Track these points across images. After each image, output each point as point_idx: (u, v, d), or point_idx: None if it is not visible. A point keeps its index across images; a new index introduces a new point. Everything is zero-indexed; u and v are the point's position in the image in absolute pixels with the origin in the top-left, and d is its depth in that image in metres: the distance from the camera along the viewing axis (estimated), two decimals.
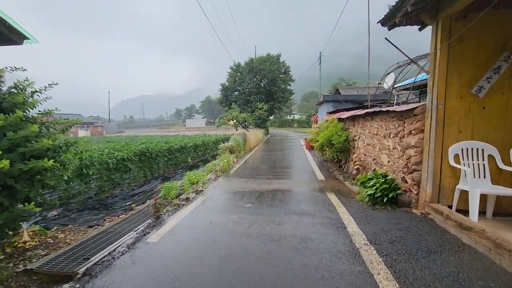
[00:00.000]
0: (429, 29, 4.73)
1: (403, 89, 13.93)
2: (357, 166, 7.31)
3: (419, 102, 15.08)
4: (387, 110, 5.20)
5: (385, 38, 4.61)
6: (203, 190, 6.82)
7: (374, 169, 6.02)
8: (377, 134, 6.05)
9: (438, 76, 4.07)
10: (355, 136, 8.14)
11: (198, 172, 8.53)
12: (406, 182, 4.75)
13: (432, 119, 4.18)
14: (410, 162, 4.60)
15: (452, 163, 4.03)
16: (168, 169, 12.06)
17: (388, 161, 5.41)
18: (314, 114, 23.88)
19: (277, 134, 37.57)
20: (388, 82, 11.05)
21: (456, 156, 4.08)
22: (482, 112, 4.09)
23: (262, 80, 37.62)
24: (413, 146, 4.49)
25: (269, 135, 32.49)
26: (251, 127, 27.47)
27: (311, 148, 13.81)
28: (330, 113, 13.70)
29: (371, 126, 6.50)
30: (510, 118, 4.04)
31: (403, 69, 8.03)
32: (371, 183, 5.23)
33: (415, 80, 9.75)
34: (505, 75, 4.01)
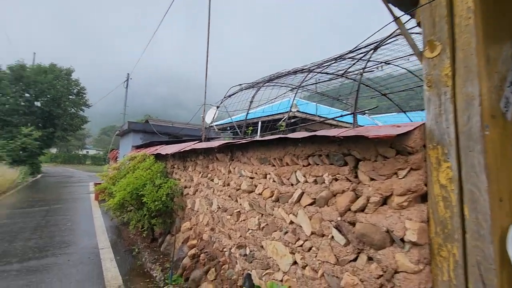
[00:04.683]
0: None
1: (221, 129, 12.23)
2: (194, 251, 3.66)
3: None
4: (303, 136, 2.11)
5: None
6: None
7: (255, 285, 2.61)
8: (251, 192, 2.82)
9: (473, 52, 1.47)
10: (186, 187, 4.58)
11: None
12: None
13: (467, 165, 1.45)
14: None
15: None
16: None
17: (297, 268, 2.21)
18: (113, 149, 18.10)
19: (56, 173, 26.70)
20: (210, 117, 8.65)
21: None
22: None
23: (39, 98, 26.77)
24: (411, 242, 1.54)
25: (39, 175, 22.08)
26: (4, 162, 17.11)
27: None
28: (138, 147, 9.48)
29: (231, 172, 3.23)
30: None
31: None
32: None
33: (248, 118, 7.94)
34: None
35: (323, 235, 1.98)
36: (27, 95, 26.57)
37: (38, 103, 26.98)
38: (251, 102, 5.37)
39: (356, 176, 1.85)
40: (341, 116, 4.83)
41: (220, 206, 3.35)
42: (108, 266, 4.21)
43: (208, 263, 3.34)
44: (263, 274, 2.47)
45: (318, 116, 10.18)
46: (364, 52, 3.09)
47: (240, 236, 2.89)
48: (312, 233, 2.06)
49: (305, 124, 11.06)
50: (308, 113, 10.51)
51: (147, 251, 4.75)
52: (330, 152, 2.01)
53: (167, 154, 4.98)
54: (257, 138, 2.80)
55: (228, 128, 9.88)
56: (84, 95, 29.68)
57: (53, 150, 48.78)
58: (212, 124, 9.99)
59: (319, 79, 5.48)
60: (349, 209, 1.82)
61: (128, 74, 19.19)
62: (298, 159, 2.27)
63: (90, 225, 6.62)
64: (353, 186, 1.83)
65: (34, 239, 5.43)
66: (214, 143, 3.46)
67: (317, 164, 2.11)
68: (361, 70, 3.03)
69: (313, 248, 2.04)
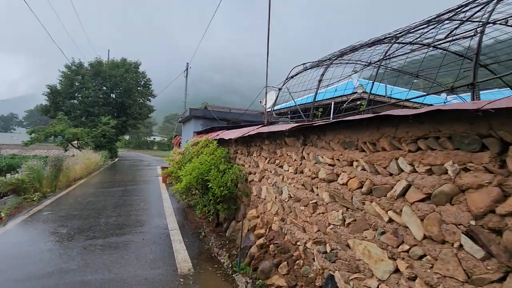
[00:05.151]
0: None
1: (279, 114, 11.74)
2: (262, 241, 3.47)
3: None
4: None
5: None
6: None
7: None
8: (331, 181, 2.45)
9: None
10: (251, 173, 4.40)
11: None
12: None
13: None
14: None
15: None
16: None
17: (401, 278, 1.80)
18: (176, 136, 19.33)
19: (130, 157, 29.96)
20: (268, 101, 8.23)
21: None
22: None
23: (113, 90, 29.94)
24: None
25: (116, 159, 24.97)
26: (89, 147, 19.67)
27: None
28: (200, 133, 9.76)
29: (304, 159, 2.89)
30: None
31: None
32: None
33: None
34: None
35: (443, 242, 1.52)
36: (104, 88, 29.91)
37: (113, 95, 30.23)
38: (320, 81, 4.86)
39: (503, 166, 1.32)
40: (439, 92, 4.01)
41: (292, 195, 3.05)
42: (178, 248, 4.33)
43: (279, 256, 3.11)
44: (350, 278, 2.11)
45: (389, 97, 9.06)
46: (483, 4, 2.36)
47: (318, 230, 2.56)
48: (425, 237, 1.61)
49: (375, 106, 9.93)
50: (378, 94, 9.41)
51: (212, 236, 4.77)
52: (454, 133, 1.50)
53: (230, 139, 4.86)
54: (333, 119, 2.38)
55: (289, 113, 9.46)
56: (150, 86, 32.34)
57: (126, 137, 54.97)
58: (273, 108, 9.55)
59: (392, 53, 4.68)
60: (492, 211, 1.32)
61: (188, 63, 19.98)
62: (401, 143, 1.80)
63: (160, 206, 7.04)
64: (498, 180, 1.32)
65: (114, 216, 5.95)
66: (285, 126, 3.13)
67: (433, 149, 1.62)
68: (480, 28, 2.31)
69: (427, 257, 1.59)
